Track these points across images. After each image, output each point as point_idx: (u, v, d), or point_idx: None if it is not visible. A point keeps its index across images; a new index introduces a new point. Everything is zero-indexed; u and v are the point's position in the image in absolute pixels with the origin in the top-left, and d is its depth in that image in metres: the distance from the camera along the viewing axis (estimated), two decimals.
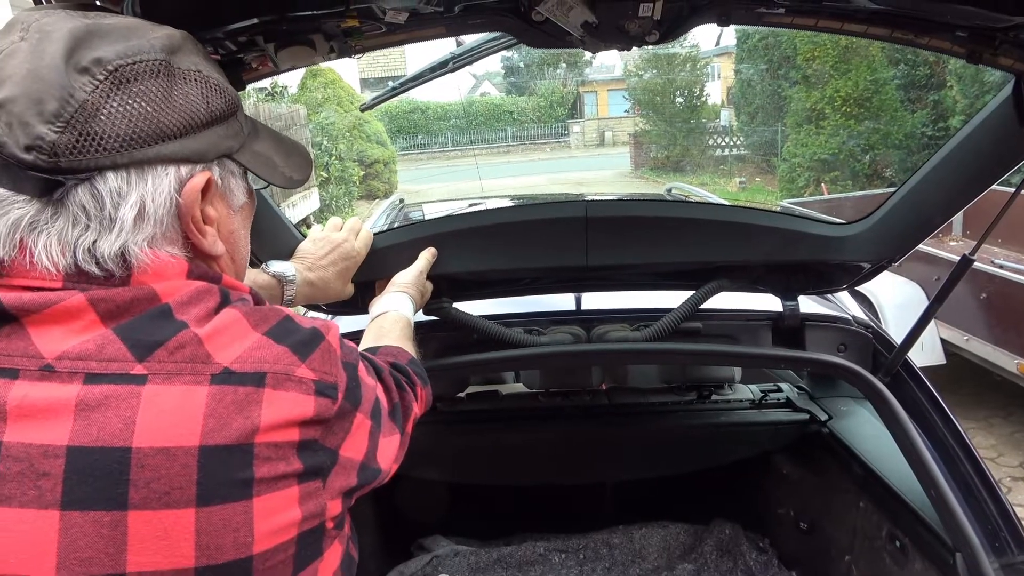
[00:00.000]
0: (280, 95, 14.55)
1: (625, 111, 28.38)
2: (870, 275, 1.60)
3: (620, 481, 2.48)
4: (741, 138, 17.88)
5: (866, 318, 1.74)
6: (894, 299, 4.47)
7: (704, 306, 1.63)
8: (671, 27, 1.19)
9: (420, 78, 1.48)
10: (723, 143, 19.27)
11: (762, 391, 2.32)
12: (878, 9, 1.11)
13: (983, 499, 1.46)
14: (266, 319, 0.72)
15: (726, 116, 20.70)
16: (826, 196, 7.81)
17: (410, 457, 0.97)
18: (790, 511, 2.20)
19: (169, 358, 0.64)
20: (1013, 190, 1.32)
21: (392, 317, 1.28)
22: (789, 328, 1.65)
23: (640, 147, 20.89)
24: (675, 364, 2.25)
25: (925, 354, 4.37)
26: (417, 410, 1.02)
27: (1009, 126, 1.23)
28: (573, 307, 1.76)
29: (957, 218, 6.34)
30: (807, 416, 2.17)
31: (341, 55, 1.17)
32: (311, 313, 1.55)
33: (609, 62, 38.36)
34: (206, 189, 0.73)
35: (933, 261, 4.50)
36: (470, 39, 1.37)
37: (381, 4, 1.03)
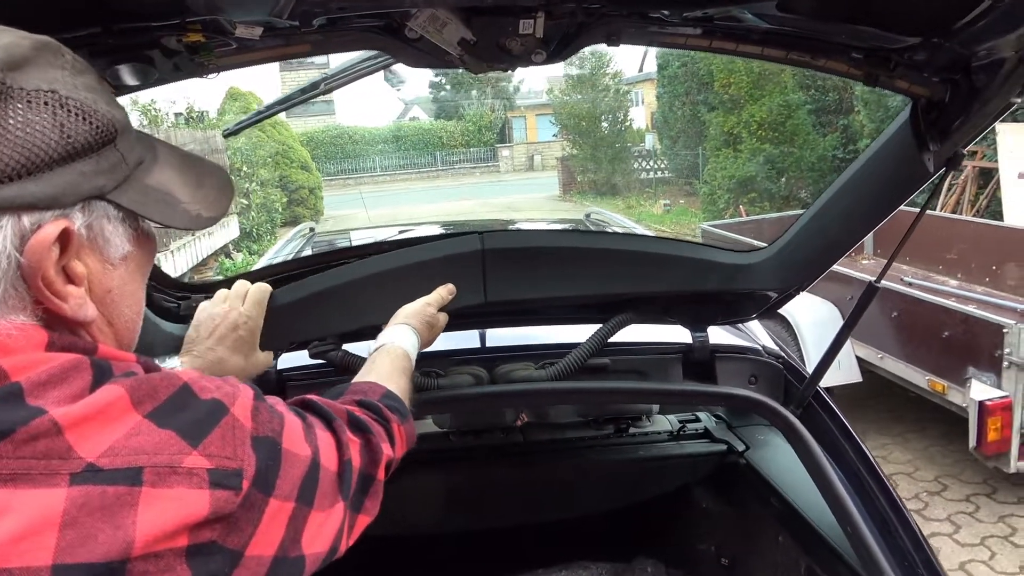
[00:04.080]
0: (198, 120, 14.11)
1: (554, 135, 28.74)
2: (778, 303, 1.55)
3: (539, 521, 2.37)
4: (665, 161, 18.30)
5: (776, 348, 1.69)
6: (810, 318, 4.55)
7: (612, 340, 1.55)
8: (559, 46, 1.11)
9: (289, 100, 1.36)
10: (648, 167, 19.67)
11: (681, 422, 2.26)
12: (770, 29, 1.05)
13: (898, 533, 1.42)
14: (154, 394, 0.58)
15: (651, 140, 21.18)
16: (744, 218, 8.00)
17: None
18: (711, 547, 2.13)
19: (14, 453, 0.51)
20: (918, 209, 1.29)
21: (385, 350, 1.15)
22: (699, 361, 1.59)
23: (567, 171, 21.14)
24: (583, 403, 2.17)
25: (841, 372, 4.44)
26: (390, 451, 0.88)
27: (907, 151, 1.20)
28: (476, 344, 1.65)
29: (867, 237, 6.58)
30: (725, 447, 2.12)
31: (190, 74, 1.04)
32: None
33: (537, 87, 38.95)
34: (65, 241, 0.59)
35: (845, 280, 4.59)
36: (346, 57, 1.26)
37: (229, 17, 0.90)
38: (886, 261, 1.41)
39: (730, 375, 1.60)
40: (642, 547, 2.27)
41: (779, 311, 4.84)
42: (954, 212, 7.52)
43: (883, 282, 4.52)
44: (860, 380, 4.48)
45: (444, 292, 1.36)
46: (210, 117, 15.44)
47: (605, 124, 19.51)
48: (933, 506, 3.95)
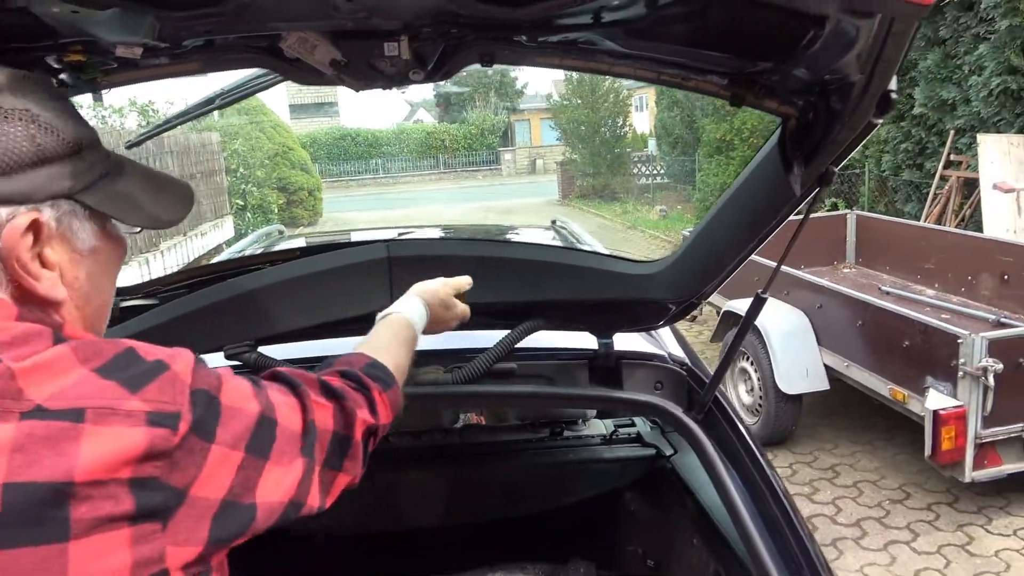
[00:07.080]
0: (196, 121, 14.20)
1: (557, 139, 28.77)
2: (680, 313, 1.60)
3: (478, 521, 2.42)
4: (663, 167, 18.31)
5: (683, 354, 1.74)
6: (780, 327, 4.58)
7: (520, 345, 1.60)
8: (437, 66, 1.16)
9: (186, 115, 1.43)
10: (647, 172, 19.70)
11: (615, 426, 2.31)
12: (629, 53, 1.11)
13: (787, 538, 1.47)
14: (99, 354, 0.67)
15: (653, 145, 21.19)
16: None
17: None
18: (639, 548, 2.18)
19: None
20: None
21: (391, 319, 1.22)
22: (605, 367, 1.64)
23: (567, 176, 21.18)
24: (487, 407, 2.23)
25: (809, 380, 4.48)
26: (368, 416, 0.94)
27: (776, 172, 1.25)
28: None
29: (850, 243, 6.58)
30: (654, 451, 2.17)
31: (81, 90, 1.10)
32: None
33: (544, 90, 39.02)
34: (36, 231, 0.70)
35: (817, 289, 4.63)
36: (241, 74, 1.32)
37: (97, 39, 0.96)
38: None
39: (636, 381, 1.65)
40: (576, 548, 2.32)
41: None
42: (939, 223, 7.53)
43: (852, 291, 4.47)
44: (827, 388, 4.51)
45: (463, 281, 1.41)
46: (213, 119, 15.53)
47: (604, 129, 19.54)
48: (895, 514, 3.98)
